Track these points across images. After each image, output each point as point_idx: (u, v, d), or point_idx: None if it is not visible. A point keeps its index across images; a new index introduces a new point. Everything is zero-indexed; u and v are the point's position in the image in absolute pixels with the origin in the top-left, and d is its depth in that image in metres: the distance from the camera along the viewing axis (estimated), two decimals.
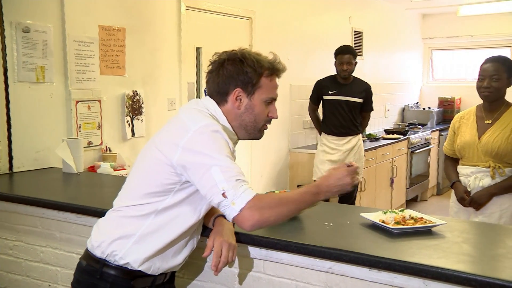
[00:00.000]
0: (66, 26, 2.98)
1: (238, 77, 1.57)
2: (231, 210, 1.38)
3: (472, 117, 2.76)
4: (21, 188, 2.63)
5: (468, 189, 2.69)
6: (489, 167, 2.63)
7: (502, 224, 2.55)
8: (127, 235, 1.53)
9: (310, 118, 5.06)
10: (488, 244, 1.68)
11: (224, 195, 1.37)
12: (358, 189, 4.57)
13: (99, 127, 3.20)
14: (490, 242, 1.70)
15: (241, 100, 1.59)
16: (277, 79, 1.64)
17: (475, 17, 7.30)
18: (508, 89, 2.68)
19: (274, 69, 1.61)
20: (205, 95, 1.68)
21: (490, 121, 2.68)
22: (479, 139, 2.67)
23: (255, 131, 1.64)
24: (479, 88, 2.66)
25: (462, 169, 2.77)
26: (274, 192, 1.99)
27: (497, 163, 2.61)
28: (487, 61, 2.67)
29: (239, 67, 1.57)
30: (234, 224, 1.70)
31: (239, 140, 1.69)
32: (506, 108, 2.67)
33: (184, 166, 1.44)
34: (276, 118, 1.66)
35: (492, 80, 2.60)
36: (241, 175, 1.41)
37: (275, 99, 1.65)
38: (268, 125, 1.67)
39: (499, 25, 7.22)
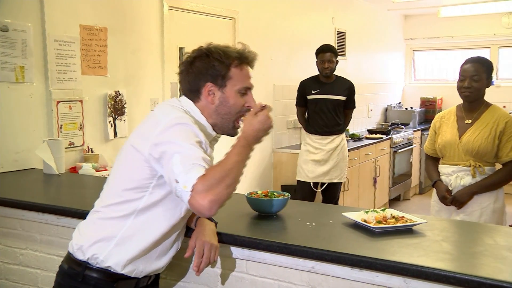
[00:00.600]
0: (46, 26, 2.94)
1: (207, 72, 1.56)
2: (185, 195, 1.33)
3: (452, 117, 2.80)
4: (0, 190, 2.58)
5: (450, 188, 2.73)
6: (469, 166, 2.67)
7: (482, 222, 2.59)
8: (108, 237, 1.52)
9: (294, 118, 5.09)
10: (467, 242, 1.70)
11: (176, 181, 1.34)
12: (342, 189, 4.60)
13: (80, 128, 3.17)
14: (469, 240, 1.73)
15: (213, 94, 1.57)
16: (249, 69, 1.62)
17: (456, 19, 7.41)
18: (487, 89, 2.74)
19: (242, 58, 1.59)
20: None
21: (470, 121, 2.72)
22: (459, 138, 2.71)
23: (230, 127, 1.61)
24: (459, 88, 2.70)
25: (443, 168, 2.81)
26: (257, 192, 2.00)
27: (478, 162, 2.66)
28: (467, 61, 2.71)
29: (206, 61, 1.56)
30: (216, 224, 1.70)
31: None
32: (485, 108, 2.72)
33: (154, 157, 1.43)
34: (253, 107, 1.59)
35: (472, 81, 2.64)
36: (199, 160, 1.36)
37: (249, 89, 1.62)
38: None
39: (478, 27, 7.35)
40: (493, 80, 2.90)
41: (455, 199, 2.69)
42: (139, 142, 1.49)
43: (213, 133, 1.63)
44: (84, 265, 1.53)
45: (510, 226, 1.92)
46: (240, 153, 1.42)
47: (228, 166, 1.38)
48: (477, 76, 2.63)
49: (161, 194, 1.51)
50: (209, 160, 1.42)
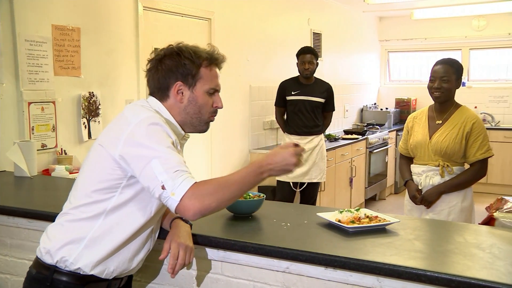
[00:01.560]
0: (16, 25, 2.89)
1: (177, 70, 1.56)
2: (172, 201, 1.36)
3: (424, 117, 2.86)
4: None
5: (420, 188, 2.78)
6: (438, 165, 2.72)
7: (451, 220, 2.64)
8: (77, 239, 1.50)
9: (270, 119, 5.11)
10: (438, 241, 1.73)
11: (163, 187, 1.36)
12: (319, 189, 4.64)
13: (53, 129, 3.11)
14: (440, 238, 1.76)
15: (182, 93, 1.58)
16: (217, 70, 1.63)
17: (428, 21, 7.55)
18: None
19: (212, 59, 1.60)
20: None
21: (440, 122, 2.78)
22: (430, 138, 2.76)
23: (201, 124, 1.63)
24: (430, 89, 2.75)
25: (414, 168, 2.86)
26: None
27: (446, 162, 2.71)
28: (437, 63, 2.77)
29: (177, 60, 1.56)
30: (191, 226, 1.69)
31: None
32: (455, 109, 2.78)
33: (126, 159, 1.42)
34: (221, 108, 1.63)
35: (442, 82, 2.70)
36: (181, 165, 1.39)
37: (217, 90, 1.63)
38: (214, 118, 1.65)
39: (450, 29, 7.51)
40: (463, 81, 2.97)
41: (424, 199, 2.74)
42: (108, 142, 1.48)
43: (182, 132, 1.62)
44: (53, 269, 1.51)
45: (479, 224, 1.96)
46: (247, 176, 1.43)
47: (227, 182, 1.41)
48: (446, 77, 2.69)
49: (130, 194, 1.50)
50: (184, 162, 1.43)
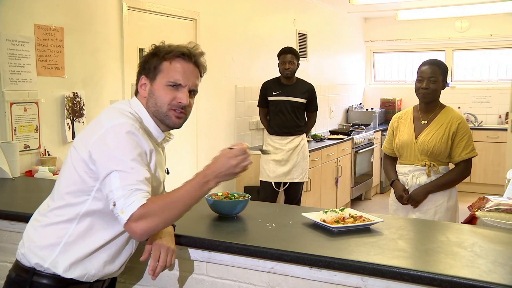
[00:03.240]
0: None
1: (144, 66, 1.60)
2: (120, 218, 1.36)
3: (409, 117, 2.88)
4: None
5: (406, 187, 2.81)
6: (425, 165, 2.75)
7: (437, 219, 2.68)
8: (53, 243, 1.48)
9: (256, 120, 5.11)
10: (422, 240, 1.75)
11: (114, 203, 1.36)
12: (304, 189, 4.65)
13: (36, 130, 3.08)
14: (424, 237, 1.78)
15: (145, 86, 1.59)
16: (188, 65, 1.57)
17: (413, 22, 7.63)
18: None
19: (176, 52, 1.57)
20: None
21: (426, 122, 2.81)
22: (416, 138, 2.79)
23: (164, 117, 1.57)
24: (417, 89, 2.78)
25: (400, 168, 2.88)
26: (217, 194, 2.00)
27: (432, 161, 2.74)
28: (425, 63, 2.80)
29: (147, 57, 1.60)
30: (174, 227, 1.68)
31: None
32: (440, 109, 2.81)
33: (93, 160, 1.42)
34: (183, 104, 1.56)
35: (430, 82, 2.73)
36: (140, 184, 1.37)
37: (179, 84, 1.56)
38: (178, 112, 1.57)
39: (434, 30, 7.59)
40: (448, 82, 2.99)
41: (411, 198, 2.76)
42: (80, 144, 1.48)
43: (162, 135, 1.61)
44: (32, 272, 1.49)
45: (462, 223, 1.99)
46: (192, 189, 1.39)
47: (172, 200, 1.38)
48: (434, 77, 2.72)
49: (103, 198, 1.47)
50: (149, 177, 1.41)
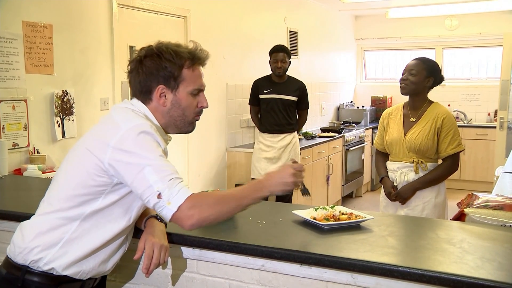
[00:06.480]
0: None
1: (158, 73, 1.52)
2: (167, 210, 1.35)
3: (399, 114, 2.90)
4: None
5: (395, 184, 2.82)
6: (413, 162, 2.77)
7: (424, 216, 2.69)
8: (53, 241, 1.46)
9: (247, 117, 5.11)
10: (411, 236, 1.76)
11: (159, 195, 1.34)
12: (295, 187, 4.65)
13: (25, 128, 3.05)
14: (413, 234, 1.79)
15: (165, 96, 1.54)
16: (201, 68, 1.59)
17: (403, 20, 7.66)
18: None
19: (195, 59, 1.55)
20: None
21: (414, 119, 2.83)
22: (404, 136, 2.80)
23: (186, 125, 1.60)
24: (399, 81, 2.82)
25: (390, 165, 2.90)
26: (207, 191, 1.99)
27: (420, 158, 2.76)
28: (412, 59, 2.84)
29: (157, 62, 1.51)
30: (166, 225, 1.68)
31: (172, 138, 1.67)
32: (427, 106, 2.83)
33: (115, 167, 1.39)
34: (206, 107, 1.60)
35: (410, 74, 2.76)
36: (176, 174, 1.38)
37: (202, 90, 1.59)
38: (200, 117, 1.62)
39: (424, 28, 7.63)
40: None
41: (399, 195, 2.78)
42: (96, 147, 1.43)
43: (166, 137, 1.60)
44: (25, 269, 1.47)
45: (451, 220, 2.00)
46: (246, 190, 1.46)
47: (228, 196, 1.42)
48: (414, 70, 2.75)
49: (113, 199, 1.47)
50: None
